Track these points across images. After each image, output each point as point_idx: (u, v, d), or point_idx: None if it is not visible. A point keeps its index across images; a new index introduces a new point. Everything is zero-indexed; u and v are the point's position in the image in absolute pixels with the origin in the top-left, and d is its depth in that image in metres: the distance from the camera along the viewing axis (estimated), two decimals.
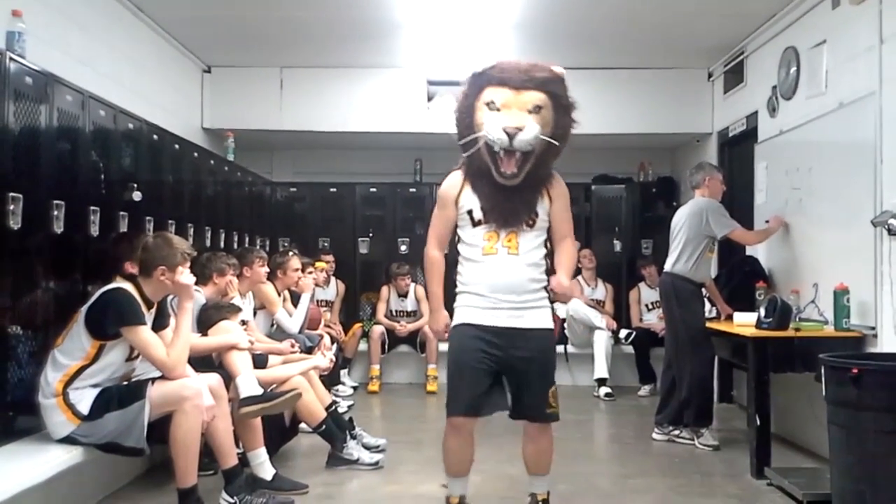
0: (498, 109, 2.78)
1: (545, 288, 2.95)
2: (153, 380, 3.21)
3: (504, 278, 2.88)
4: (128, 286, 3.20)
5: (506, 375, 2.92)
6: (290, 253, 5.39)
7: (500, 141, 2.74)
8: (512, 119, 2.75)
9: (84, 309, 3.13)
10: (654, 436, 4.85)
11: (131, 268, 3.32)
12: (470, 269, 2.95)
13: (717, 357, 4.84)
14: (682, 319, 4.69)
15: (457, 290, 3.01)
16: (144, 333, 3.15)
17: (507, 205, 2.86)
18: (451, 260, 3.07)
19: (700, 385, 4.63)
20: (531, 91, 2.78)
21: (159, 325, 3.32)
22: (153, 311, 3.29)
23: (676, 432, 4.76)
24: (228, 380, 3.59)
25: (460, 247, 3.00)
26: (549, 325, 2.96)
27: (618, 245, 7.39)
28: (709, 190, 4.82)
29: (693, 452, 4.54)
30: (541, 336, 2.93)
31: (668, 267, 4.81)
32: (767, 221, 5.00)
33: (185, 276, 3.29)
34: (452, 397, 2.91)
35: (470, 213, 2.91)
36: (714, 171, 4.93)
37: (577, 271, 7.03)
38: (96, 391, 3.13)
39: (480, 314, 2.90)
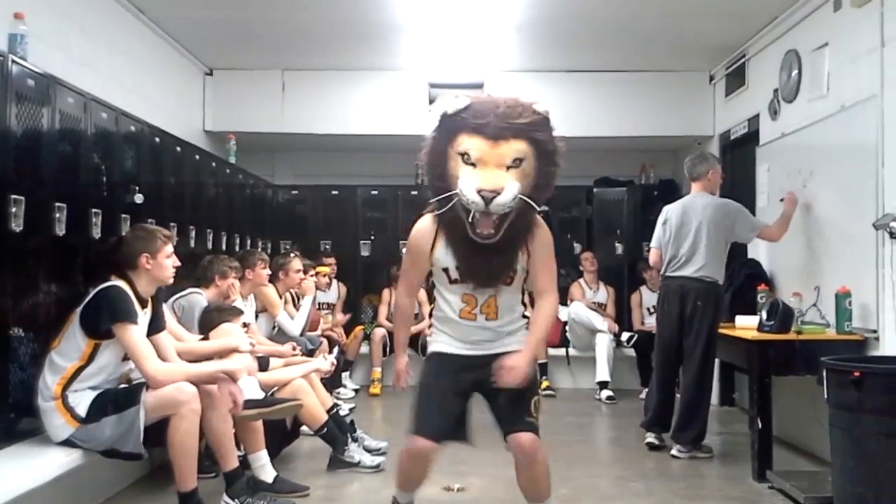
0: (473, 164, 2.49)
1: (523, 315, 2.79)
2: (147, 385, 3.20)
3: (481, 338, 2.73)
4: (122, 284, 3.21)
5: (483, 395, 2.73)
6: (292, 255, 5.40)
7: (476, 205, 2.46)
8: (488, 180, 2.45)
9: (79, 309, 3.14)
10: (675, 454, 4.55)
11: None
12: (446, 322, 2.78)
13: (718, 360, 4.80)
14: (714, 330, 4.47)
15: (432, 321, 2.86)
16: (135, 334, 3.14)
17: (485, 266, 2.62)
18: None
19: (706, 404, 4.54)
20: (510, 141, 2.47)
21: (155, 328, 3.32)
22: (148, 310, 3.29)
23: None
24: None
25: (437, 292, 2.79)
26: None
27: (619, 248, 7.37)
28: (710, 183, 4.65)
29: (694, 455, 4.52)
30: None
31: (706, 273, 4.45)
32: (782, 200, 4.74)
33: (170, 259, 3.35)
34: (418, 417, 2.67)
35: (446, 270, 2.67)
36: (716, 163, 4.76)
37: (579, 273, 7.05)
38: (94, 393, 3.14)
39: (454, 349, 2.77)
